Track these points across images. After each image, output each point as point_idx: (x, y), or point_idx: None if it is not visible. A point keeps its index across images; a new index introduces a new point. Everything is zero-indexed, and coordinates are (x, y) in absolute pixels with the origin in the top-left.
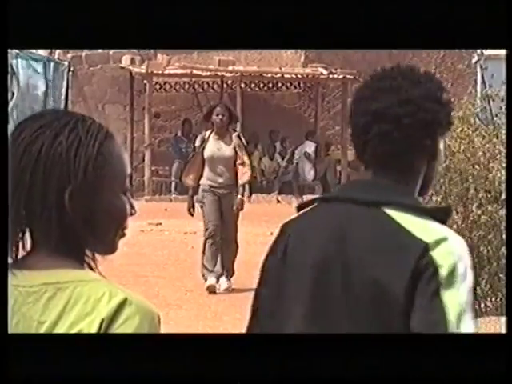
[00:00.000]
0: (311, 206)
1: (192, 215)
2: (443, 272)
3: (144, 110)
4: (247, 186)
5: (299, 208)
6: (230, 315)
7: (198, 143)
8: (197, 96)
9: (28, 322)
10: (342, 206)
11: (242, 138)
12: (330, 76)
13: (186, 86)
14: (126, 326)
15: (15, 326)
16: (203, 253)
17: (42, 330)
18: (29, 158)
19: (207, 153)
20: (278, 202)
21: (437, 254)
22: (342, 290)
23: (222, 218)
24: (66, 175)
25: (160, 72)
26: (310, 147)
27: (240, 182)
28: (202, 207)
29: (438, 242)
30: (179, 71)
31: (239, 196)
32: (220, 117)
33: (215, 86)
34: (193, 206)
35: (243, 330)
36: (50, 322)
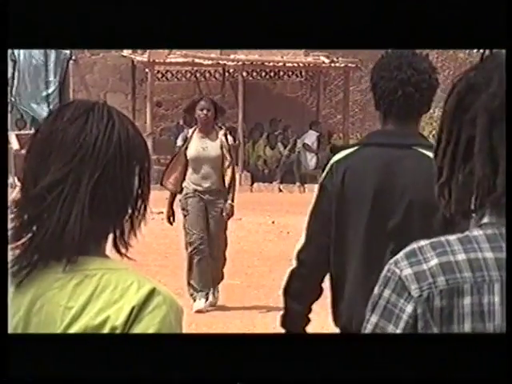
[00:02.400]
0: (351, 150)
1: (171, 224)
2: None
3: (146, 99)
4: (237, 188)
5: (335, 149)
6: (232, 304)
7: (179, 142)
8: (198, 85)
9: (53, 306)
10: (383, 149)
11: (229, 137)
12: (332, 65)
13: (188, 75)
14: (153, 314)
15: (38, 310)
16: (189, 270)
17: (70, 316)
18: (107, 152)
19: (191, 153)
20: (280, 190)
21: None
22: (397, 210)
23: (208, 228)
24: (137, 159)
25: (162, 61)
26: (310, 137)
27: (228, 184)
28: (184, 216)
29: None
30: (181, 60)
31: (229, 201)
32: (205, 112)
33: (217, 75)
34: (173, 214)
35: (245, 319)
36: (78, 307)
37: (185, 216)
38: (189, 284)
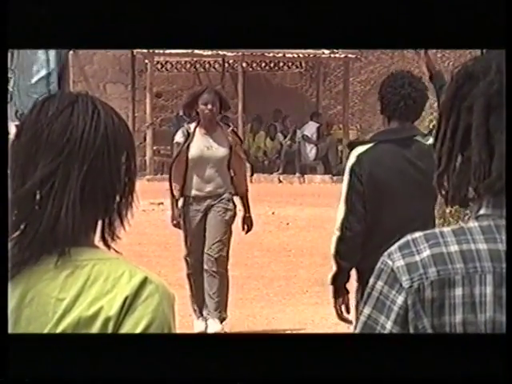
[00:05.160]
0: (371, 145)
1: (180, 228)
2: None
3: (145, 90)
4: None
5: (352, 144)
6: (231, 295)
7: (179, 139)
8: (198, 75)
9: (44, 298)
10: (395, 144)
11: (238, 133)
12: (332, 55)
13: (188, 66)
14: (147, 303)
15: (29, 302)
16: (190, 290)
17: (62, 307)
18: (95, 143)
19: (193, 152)
20: (280, 181)
21: None
22: (412, 188)
23: (206, 237)
24: (123, 147)
25: (161, 51)
26: (310, 129)
27: (241, 190)
28: (184, 227)
29: None
30: (180, 50)
31: (246, 214)
32: (209, 106)
33: (216, 66)
34: (180, 216)
35: (245, 310)
36: (70, 299)
37: (183, 227)
38: (191, 303)
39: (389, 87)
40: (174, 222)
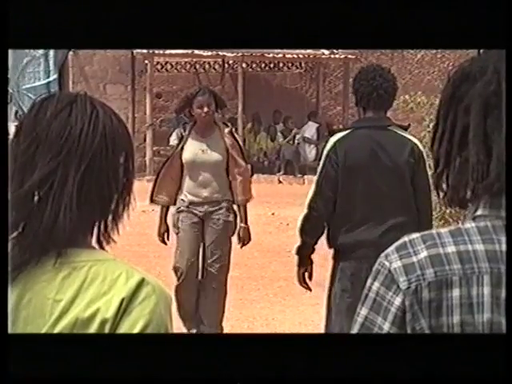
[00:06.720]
0: (347, 132)
1: (165, 243)
2: (425, 155)
3: (145, 90)
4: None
5: (333, 131)
6: (231, 296)
7: (173, 141)
8: (198, 76)
9: (42, 299)
10: (369, 130)
11: (237, 135)
12: (332, 56)
13: (188, 66)
14: (143, 305)
15: (26, 304)
16: (177, 303)
17: (59, 309)
18: (93, 143)
19: (187, 156)
20: (280, 182)
21: (421, 147)
22: (382, 172)
23: (204, 248)
24: (122, 148)
25: (161, 52)
26: (310, 130)
27: (239, 199)
28: (177, 234)
29: (417, 142)
30: (180, 51)
31: (242, 224)
32: (206, 109)
33: (216, 66)
34: (167, 230)
35: (245, 311)
36: (67, 300)
37: (177, 234)
38: (179, 316)
39: (361, 80)
40: (160, 238)
